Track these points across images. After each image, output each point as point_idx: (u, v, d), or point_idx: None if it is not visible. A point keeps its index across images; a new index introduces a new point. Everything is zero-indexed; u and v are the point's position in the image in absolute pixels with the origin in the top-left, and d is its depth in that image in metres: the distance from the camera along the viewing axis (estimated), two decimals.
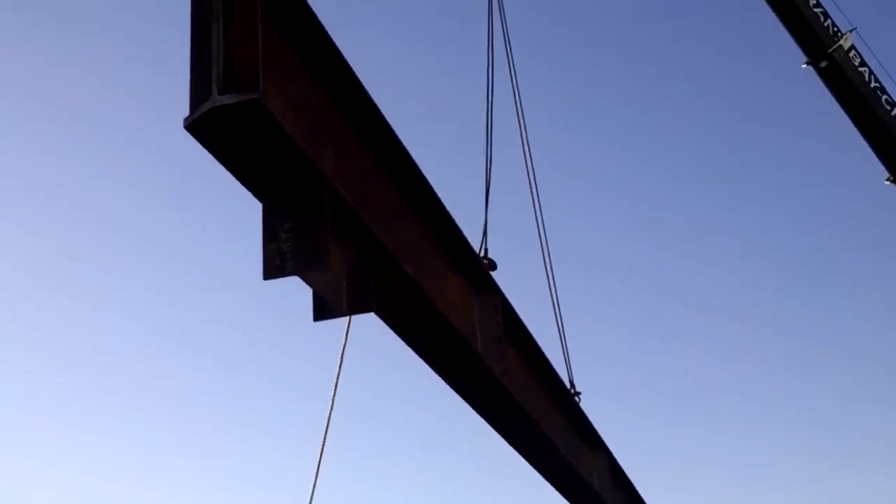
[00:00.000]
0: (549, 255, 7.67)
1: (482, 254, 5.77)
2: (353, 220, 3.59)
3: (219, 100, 2.93)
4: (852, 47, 11.56)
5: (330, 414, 4.25)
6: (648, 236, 27.93)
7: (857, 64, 11.50)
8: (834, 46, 11.41)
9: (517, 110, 7.55)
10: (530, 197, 7.53)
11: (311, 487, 4.22)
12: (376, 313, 4.37)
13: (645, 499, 9.43)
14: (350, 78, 3.66)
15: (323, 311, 3.62)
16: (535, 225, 7.55)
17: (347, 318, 4.25)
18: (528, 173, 7.55)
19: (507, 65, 7.58)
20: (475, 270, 5.17)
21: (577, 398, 7.66)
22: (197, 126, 2.99)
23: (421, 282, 4.18)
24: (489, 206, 6.30)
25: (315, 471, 4.21)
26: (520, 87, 7.63)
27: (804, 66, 11.60)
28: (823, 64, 11.45)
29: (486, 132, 6.74)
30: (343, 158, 3.70)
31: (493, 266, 5.76)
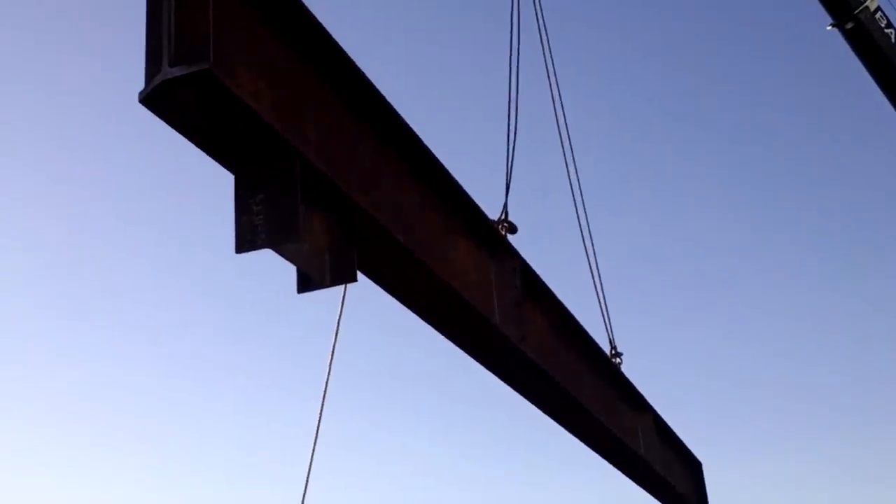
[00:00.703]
0: (584, 208, 7.49)
1: (503, 216, 5.62)
2: (331, 189, 3.50)
3: (169, 72, 2.85)
4: (878, 8, 11.13)
5: (326, 386, 4.19)
6: (687, 187, 26.65)
7: (883, 25, 11.08)
8: (860, 7, 11.02)
9: (543, 53, 7.34)
10: (558, 153, 7.35)
11: (308, 464, 4.18)
12: (379, 284, 4.31)
13: (698, 457, 9.28)
14: (324, 39, 3.55)
15: (307, 283, 3.54)
16: (567, 180, 7.38)
17: (343, 286, 4.17)
18: (556, 120, 7.35)
19: (532, 3, 7.29)
20: (488, 234, 5.05)
21: (618, 360, 7.52)
22: (151, 100, 2.91)
23: (416, 249, 4.08)
24: (513, 166, 6.13)
25: (312, 446, 4.16)
26: (547, 28, 7.41)
27: (829, 27, 11.18)
28: (849, 26, 11.03)
29: (508, 81, 6.53)
30: (324, 125, 3.60)
31: (514, 229, 5.60)
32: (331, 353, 4.24)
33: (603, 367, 6.87)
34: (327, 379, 4.18)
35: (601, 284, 7.55)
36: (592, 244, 7.52)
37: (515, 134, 6.38)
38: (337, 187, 3.50)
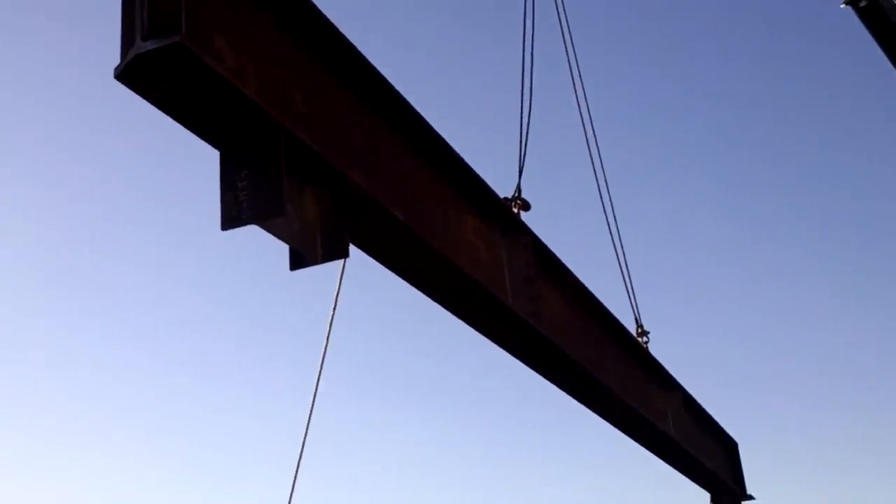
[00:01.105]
0: (605, 179, 7.38)
1: (516, 194, 5.54)
2: (321, 165, 3.45)
3: (142, 46, 2.81)
4: None
5: (322, 361, 4.16)
6: (718, 157, 25.45)
7: None
8: None
9: (560, 21, 7.25)
10: (574, 130, 7.26)
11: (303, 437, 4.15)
12: (383, 263, 4.26)
13: (735, 438, 9.15)
14: (313, 13, 3.51)
15: (299, 260, 3.51)
16: (588, 153, 7.27)
17: (342, 261, 4.14)
18: (575, 91, 7.26)
19: None
20: (498, 211, 4.99)
21: (644, 339, 7.41)
22: (126, 75, 2.88)
23: (417, 227, 4.02)
24: (527, 143, 6.04)
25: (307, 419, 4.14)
26: None
27: (842, 6, 10.91)
28: (863, 4, 10.74)
29: (522, 54, 6.43)
30: (314, 101, 3.56)
31: (527, 206, 5.53)
32: (326, 336, 4.20)
33: (627, 346, 6.78)
34: (322, 359, 4.14)
35: (625, 261, 7.46)
36: (615, 218, 7.42)
37: (530, 110, 6.29)
38: (327, 163, 3.46)
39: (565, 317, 5.61)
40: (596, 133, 7.31)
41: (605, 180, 7.39)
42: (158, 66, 2.87)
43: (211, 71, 2.94)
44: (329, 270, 3.82)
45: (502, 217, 5.02)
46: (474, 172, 4.65)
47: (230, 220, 3.17)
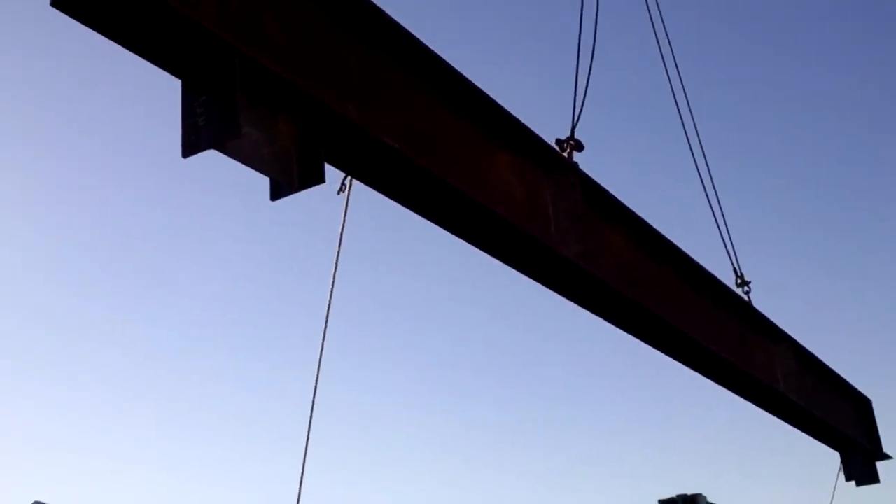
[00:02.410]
0: (690, 111, 7.02)
1: (569, 135, 5.32)
2: (293, 90, 3.38)
3: None
4: None
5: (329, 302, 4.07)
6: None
7: None
8: None
9: None
10: (648, 61, 6.92)
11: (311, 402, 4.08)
12: (393, 197, 4.16)
13: (868, 393, 8.56)
14: None
15: (278, 189, 3.45)
16: (667, 79, 6.93)
17: (346, 193, 4.06)
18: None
19: None
20: (538, 150, 4.80)
21: (745, 288, 7.03)
22: (61, 2, 2.88)
23: (417, 156, 3.90)
24: (591, 76, 5.78)
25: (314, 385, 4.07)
26: None
27: None
28: None
29: None
30: (295, 29, 3.49)
31: (580, 146, 5.30)
32: (333, 271, 4.13)
33: (719, 296, 6.43)
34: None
35: (719, 204, 7.07)
36: (703, 152, 7.03)
37: (595, 41, 6.03)
38: (300, 89, 3.38)
39: (630, 259, 5.35)
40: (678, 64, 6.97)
41: (690, 109, 7.02)
42: None
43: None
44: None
45: (544, 156, 4.82)
46: (502, 108, 4.48)
47: (189, 146, 3.14)
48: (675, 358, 6.12)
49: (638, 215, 5.43)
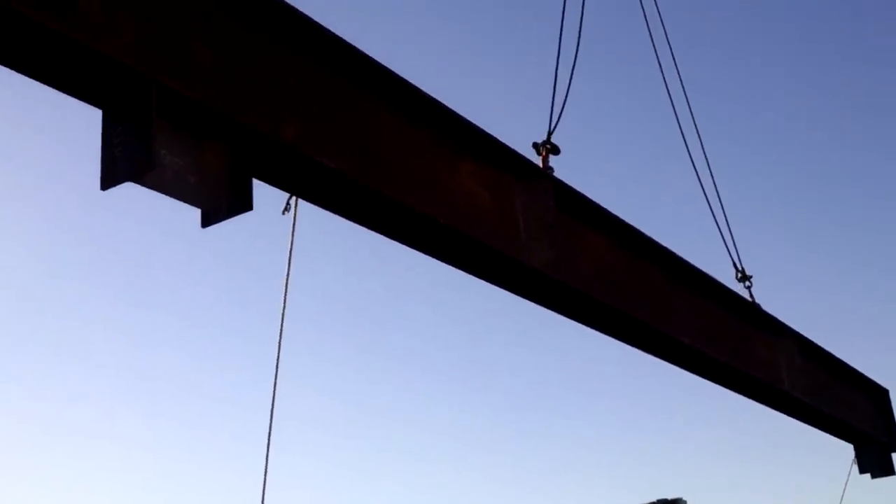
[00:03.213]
0: (683, 88, 6.84)
1: (547, 137, 5.21)
2: (217, 118, 3.31)
3: None
4: None
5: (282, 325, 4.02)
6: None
7: None
8: None
9: None
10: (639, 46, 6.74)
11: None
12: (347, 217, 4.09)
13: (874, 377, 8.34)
14: None
15: (208, 217, 3.39)
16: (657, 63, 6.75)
17: (292, 213, 3.99)
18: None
19: None
20: (505, 157, 4.69)
21: (747, 283, 6.87)
22: None
23: (362, 175, 3.81)
24: (574, 72, 5.65)
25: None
26: None
27: None
28: None
29: None
30: (224, 52, 3.42)
31: (556, 150, 5.18)
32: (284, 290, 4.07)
33: (713, 293, 6.29)
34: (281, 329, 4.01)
35: (717, 192, 6.87)
36: (700, 137, 6.85)
37: (579, 40, 5.90)
38: (225, 115, 3.31)
39: (610, 263, 5.23)
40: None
41: (683, 86, 6.85)
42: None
43: (40, 26, 2.84)
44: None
45: (513, 162, 4.71)
46: (460, 117, 4.38)
47: (107, 179, 3.10)
48: (668, 361, 6.00)
49: (618, 217, 5.31)
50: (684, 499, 6.67)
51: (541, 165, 5.03)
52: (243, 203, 3.34)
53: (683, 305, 5.89)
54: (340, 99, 3.85)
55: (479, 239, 4.36)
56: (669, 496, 6.77)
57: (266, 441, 4.06)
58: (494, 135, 4.57)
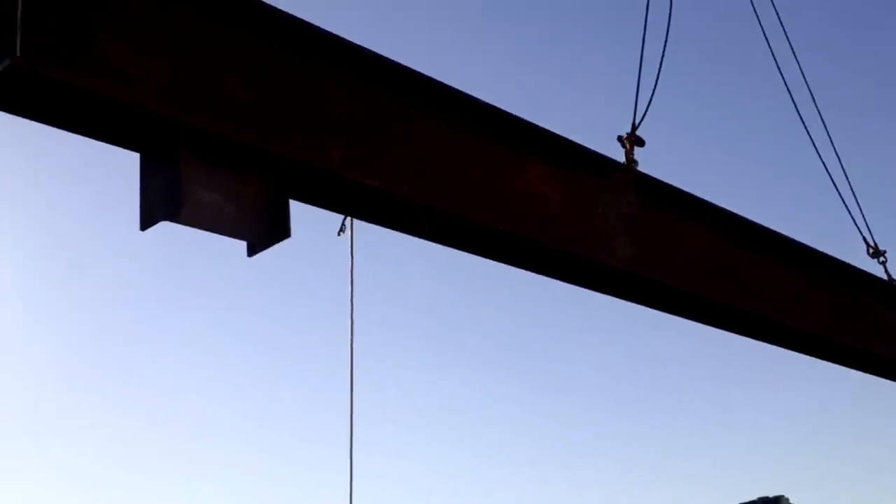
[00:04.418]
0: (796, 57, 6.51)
1: (631, 131, 5.07)
2: (250, 151, 3.41)
3: None
4: None
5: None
6: None
7: None
8: None
9: None
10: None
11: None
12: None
13: None
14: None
15: (252, 247, 3.49)
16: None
17: (348, 234, 4.04)
18: None
19: None
20: (581, 155, 4.61)
21: (881, 258, 6.49)
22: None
23: (417, 193, 3.83)
24: (664, 58, 5.48)
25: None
26: None
27: None
28: None
29: None
30: (261, 85, 3.51)
31: (640, 142, 5.04)
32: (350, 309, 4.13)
33: (839, 274, 5.97)
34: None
35: (840, 163, 6.52)
36: (816, 104, 6.52)
37: (669, 25, 5.72)
38: (257, 147, 3.41)
39: (705, 253, 5.06)
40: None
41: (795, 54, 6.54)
42: (16, 90, 2.99)
43: (74, 88, 3.00)
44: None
45: (588, 160, 4.63)
46: (522, 120, 4.33)
47: (145, 220, 3.25)
48: (789, 348, 5.74)
49: (715, 205, 5.12)
50: (787, 496, 6.35)
51: (624, 159, 4.92)
52: (281, 231, 3.42)
53: (802, 290, 5.63)
54: (385, 115, 3.87)
55: (549, 243, 4.30)
56: (771, 494, 6.47)
57: (349, 447, 4.16)
58: (572, 132, 4.52)
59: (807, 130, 6.57)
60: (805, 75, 6.56)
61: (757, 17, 6.62)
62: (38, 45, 2.95)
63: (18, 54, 2.89)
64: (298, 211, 3.58)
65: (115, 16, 3.18)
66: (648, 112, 5.27)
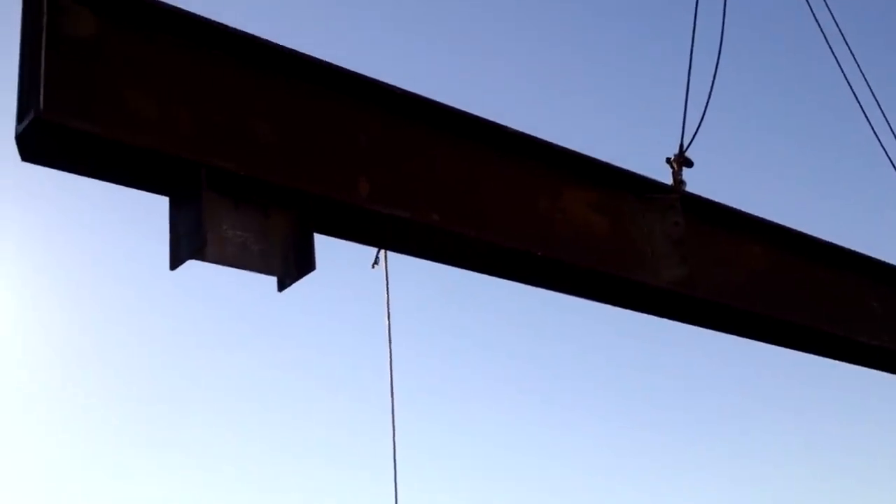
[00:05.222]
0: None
1: (679, 151, 5.01)
2: (274, 189, 3.49)
3: (18, 128, 3.08)
4: None
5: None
6: None
7: None
8: None
9: None
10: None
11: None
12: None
13: None
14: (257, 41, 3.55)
15: (282, 281, 3.56)
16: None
17: (384, 264, 4.07)
18: None
19: None
20: (623, 178, 4.58)
21: None
22: (27, 156, 3.16)
23: (452, 223, 3.85)
24: (716, 78, 5.41)
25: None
26: None
27: None
28: None
29: None
30: (287, 118, 3.60)
31: (689, 163, 4.98)
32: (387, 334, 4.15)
33: None
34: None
35: None
36: (876, 100, 6.33)
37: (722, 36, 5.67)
38: (284, 188, 3.48)
39: (759, 270, 4.95)
40: None
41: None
42: (47, 145, 3.12)
43: (93, 137, 3.11)
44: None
45: (631, 183, 4.60)
46: (550, 144, 4.31)
47: (174, 259, 3.34)
48: (859, 364, 5.56)
49: (766, 220, 5.02)
50: None
51: (671, 181, 4.87)
52: (307, 264, 3.48)
53: (871, 303, 5.46)
54: (414, 146, 3.92)
55: (592, 267, 4.28)
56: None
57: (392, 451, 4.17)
58: (618, 155, 4.51)
59: (879, 141, 6.41)
60: (868, 82, 6.39)
61: (817, 21, 6.52)
62: (62, 97, 3.07)
63: (42, 107, 3.02)
64: (327, 242, 3.64)
65: (137, 64, 3.30)
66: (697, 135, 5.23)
